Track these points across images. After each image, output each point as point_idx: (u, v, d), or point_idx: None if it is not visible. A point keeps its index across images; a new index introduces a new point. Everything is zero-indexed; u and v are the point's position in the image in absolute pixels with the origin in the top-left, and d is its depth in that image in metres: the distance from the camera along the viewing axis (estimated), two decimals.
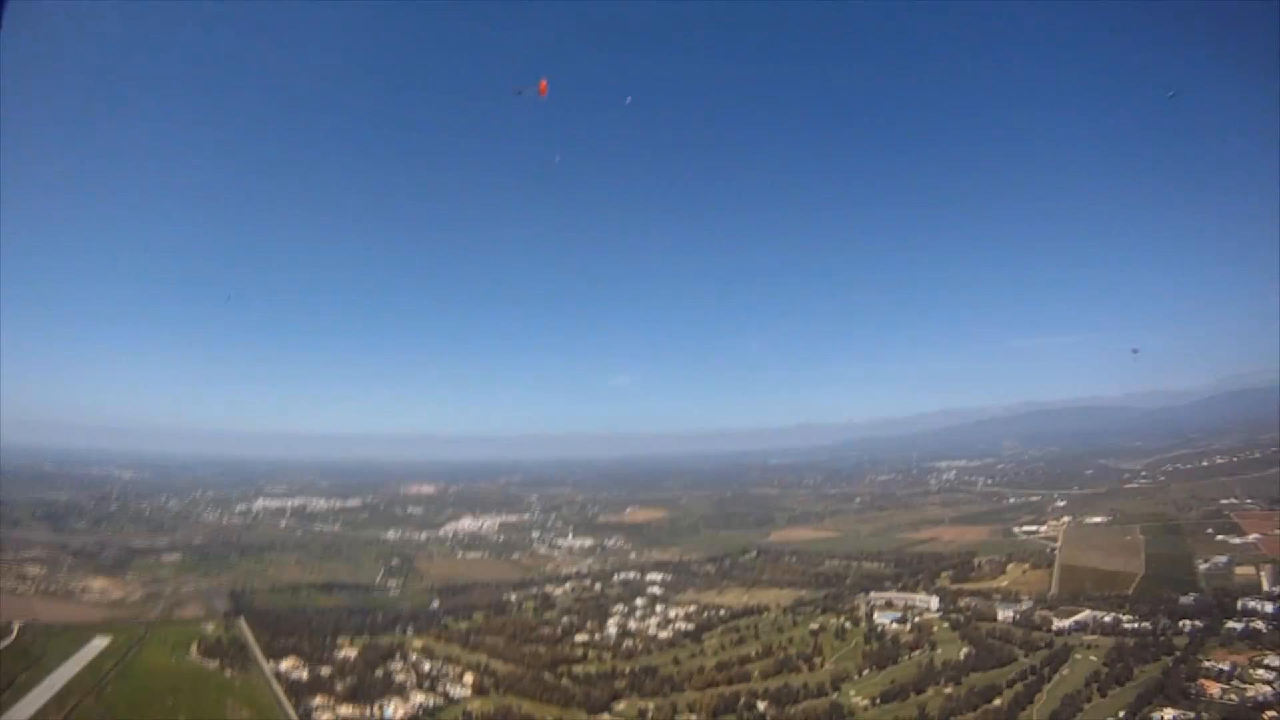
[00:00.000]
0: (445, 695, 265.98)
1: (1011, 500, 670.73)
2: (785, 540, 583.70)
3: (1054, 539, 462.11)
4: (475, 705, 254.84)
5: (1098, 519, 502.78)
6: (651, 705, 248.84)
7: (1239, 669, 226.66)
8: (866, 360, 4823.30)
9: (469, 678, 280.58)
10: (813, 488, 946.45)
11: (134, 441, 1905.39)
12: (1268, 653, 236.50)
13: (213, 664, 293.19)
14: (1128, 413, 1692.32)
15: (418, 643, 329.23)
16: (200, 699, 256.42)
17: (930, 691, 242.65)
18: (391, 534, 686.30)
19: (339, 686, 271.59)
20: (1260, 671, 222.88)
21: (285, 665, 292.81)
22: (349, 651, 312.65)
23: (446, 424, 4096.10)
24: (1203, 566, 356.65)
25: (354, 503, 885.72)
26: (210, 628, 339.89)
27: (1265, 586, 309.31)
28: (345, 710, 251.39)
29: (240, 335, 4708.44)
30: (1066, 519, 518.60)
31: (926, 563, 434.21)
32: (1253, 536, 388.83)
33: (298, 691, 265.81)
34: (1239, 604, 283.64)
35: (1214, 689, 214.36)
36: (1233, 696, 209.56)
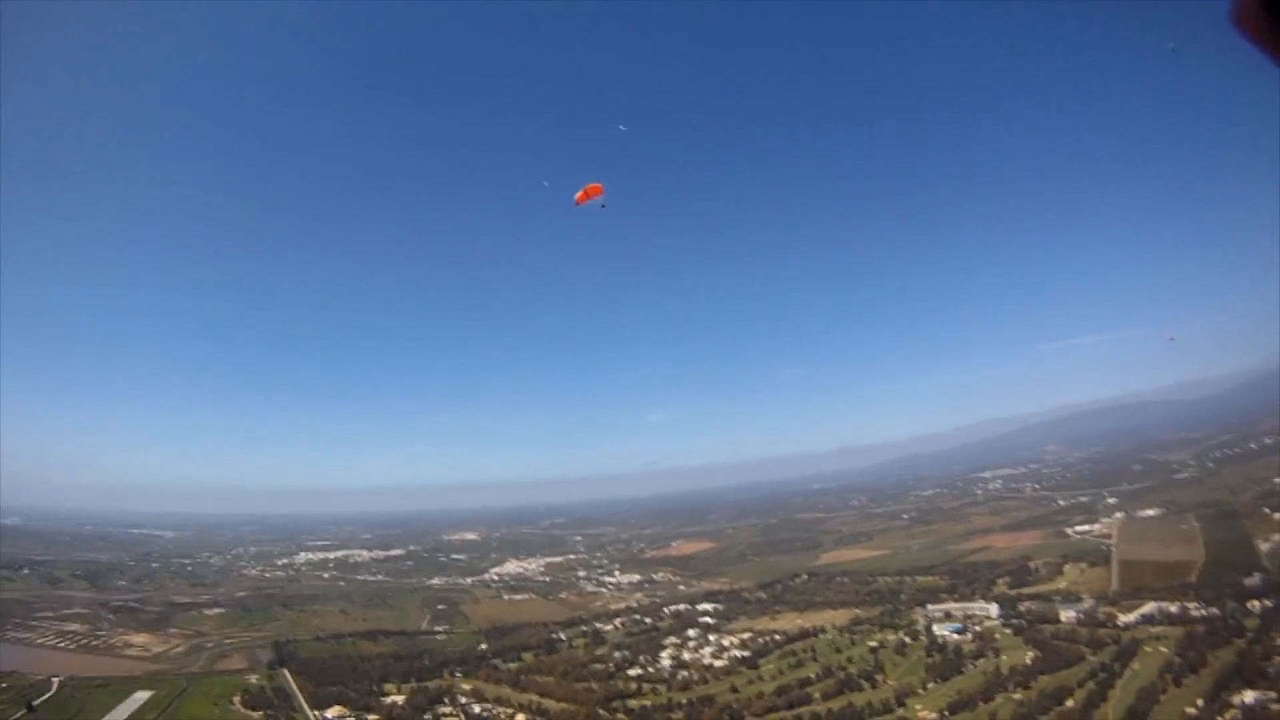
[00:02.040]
0: None
1: (1061, 503, 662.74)
2: (835, 562, 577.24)
3: (1109, 536, 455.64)
4: None
5: (1151, 512, 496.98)
6: None
7: None
8: (900, 378, 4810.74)
9: (520, 718, 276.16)
10: (858, 509, 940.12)
11: (175, 502, 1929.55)
12: None
13: (256, 715, 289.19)
14: (1169, 405, 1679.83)
15: (466, 685, 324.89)
16: None
17: (999, 699, 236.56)
18: (436, 580, 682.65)
19: None
20: None
21: (331, 714, 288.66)
22: (396, 697, 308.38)
23: (485, 472, 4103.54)
24: (1264, 546, 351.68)
25: (397, 552, 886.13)
26: (253, 679, 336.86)
27: None
28: None
29: (276, 394, 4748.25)
30: (1119, 515, 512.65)
31: (982, 571, 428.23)
32: None
33: None
34: None
35: None
36: None
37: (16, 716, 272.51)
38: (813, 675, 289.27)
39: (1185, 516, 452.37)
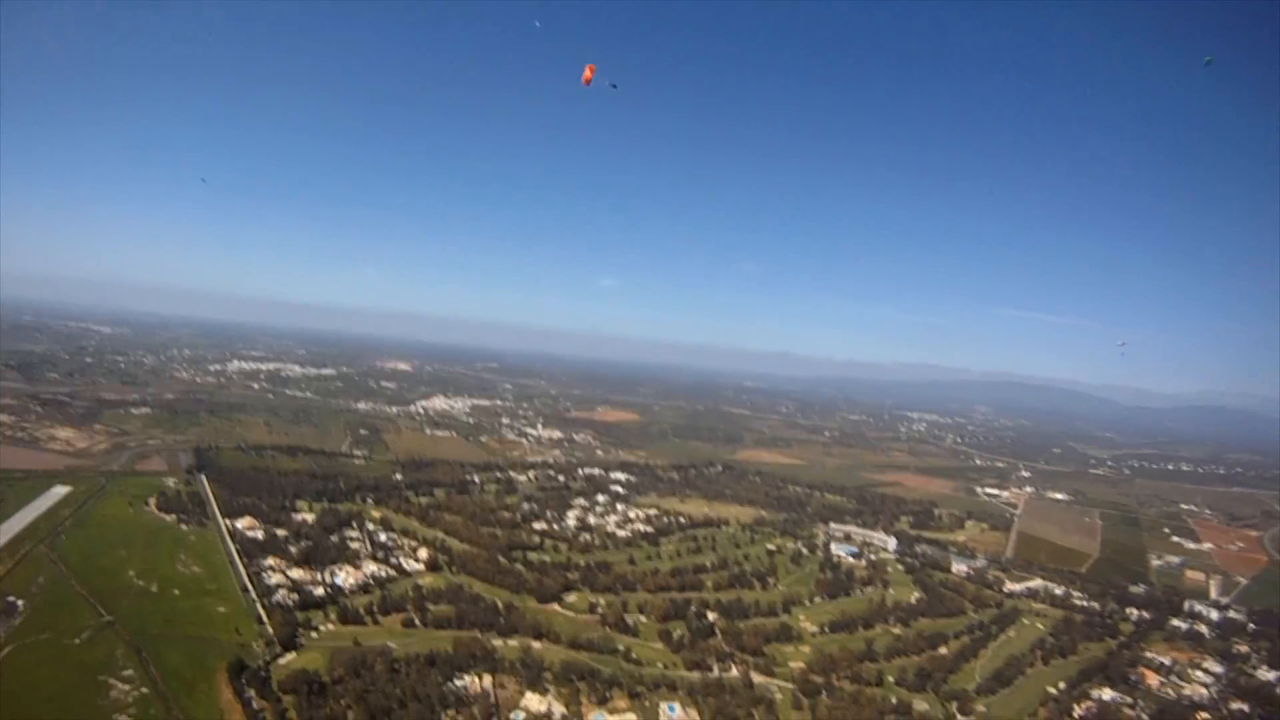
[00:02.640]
0: (398, 567, 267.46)
1: (977, 461, 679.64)
2: (751, 460, 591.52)
3: (1015, 505, 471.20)
4: (427, 580, 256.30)
5: (1059, 496, 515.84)
6: (602, 600, 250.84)
7: (1179, 666, 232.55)
8: (856, 300, 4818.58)
9: (423, 553, 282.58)
10: (784, 415, 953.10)
11: (116, 297, 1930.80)
12: (1208, 656, 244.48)
13: (169, 518, 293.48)
14: (1104, 404, 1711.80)
15: (376, 513, 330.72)
16: (153, 551, 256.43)
17: (879, 628, 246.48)
18: (363, 405, 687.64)
19: (293, 549, 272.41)
20: (1199, 673, 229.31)
21: (242, 524, 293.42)
22: (307, 516, 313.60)
23: (430, 305, 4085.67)
24: (1155, 562, 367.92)
25: (329, 372, 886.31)
26: (171, 483, 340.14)
27: (1213, 594, 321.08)
28: (296, 573, 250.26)
29: (230, 198, 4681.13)
30: (1029, 489, 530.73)
31: (888, 505, 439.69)
32: (1207, 545, 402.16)
33: (251, 551, 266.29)
34: (1186, 605, 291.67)
35: (1153, 680, 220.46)
36: (1170, 691, 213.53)
37: None
38: (708, 564, 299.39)
39: (1090, 510, 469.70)
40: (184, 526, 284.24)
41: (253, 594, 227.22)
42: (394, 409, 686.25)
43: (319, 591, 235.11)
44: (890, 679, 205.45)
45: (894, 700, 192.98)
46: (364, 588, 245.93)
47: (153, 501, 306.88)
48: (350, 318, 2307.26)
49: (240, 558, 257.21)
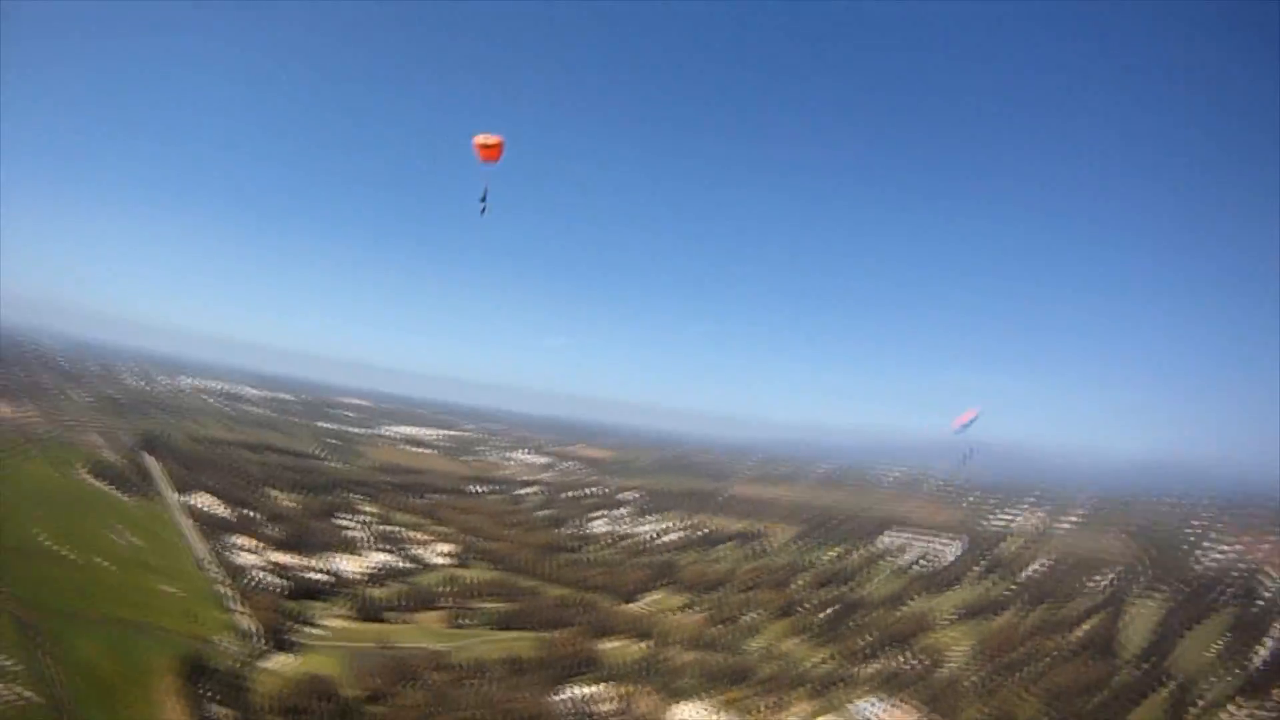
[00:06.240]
0: (416, 559, 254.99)
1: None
2: (751, 495, 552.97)
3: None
4: (465, 574, 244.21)
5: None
6: (682, 600, 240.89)
7: None
8: (807, 363, 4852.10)
9: (444, 547, 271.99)
10: (758, 463, 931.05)
11: (66, 326, 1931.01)
12: None
13: (104, 485, 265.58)
14: None
15: (370, 508, 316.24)
16: (77, 516, 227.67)
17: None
18: (326, 424, 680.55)
19: (271, 532, 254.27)
20: None
21: (200, 500, 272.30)
22: (285, 501, 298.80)
23: (383, 357, 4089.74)
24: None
25: (286, 396, 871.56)
26: (108, 455, 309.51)
27: None
28: (281, 557, 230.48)
29: (213, 231, 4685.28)
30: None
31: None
32: None
33: (214, 528, 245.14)
34: None
35: None
36: None
37: None
38: (782, 565, 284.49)
39: None
40: (124, 496, 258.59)
41: (214, 574, 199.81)
42: (361, 430, 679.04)
43: (317, 578, 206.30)
44: None
45: None
46: (375, 579, 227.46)
47: (83, 468, 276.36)
48: (292, 361, 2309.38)
49: (199, 534, 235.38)
